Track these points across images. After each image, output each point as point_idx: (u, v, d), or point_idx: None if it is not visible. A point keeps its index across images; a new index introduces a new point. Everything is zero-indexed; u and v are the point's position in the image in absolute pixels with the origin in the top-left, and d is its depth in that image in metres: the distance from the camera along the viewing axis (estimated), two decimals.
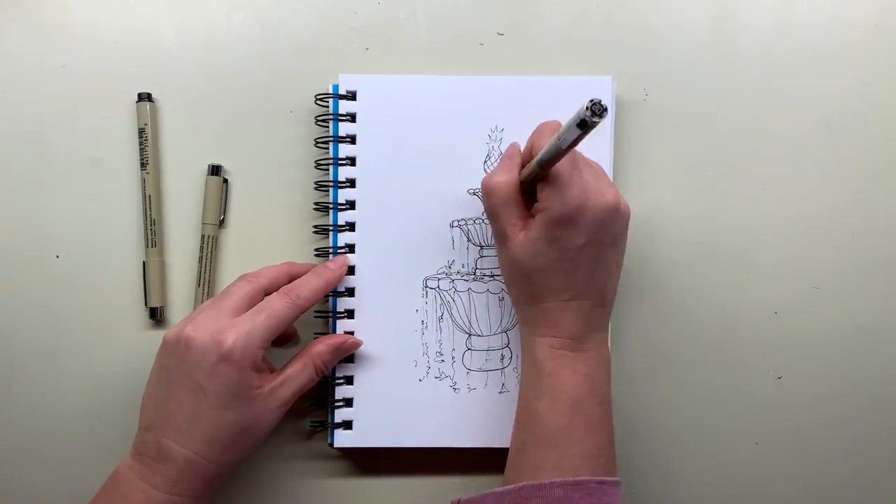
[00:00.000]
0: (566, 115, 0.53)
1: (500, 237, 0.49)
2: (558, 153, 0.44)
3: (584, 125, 0.40)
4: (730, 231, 0.56)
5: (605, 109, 0.40)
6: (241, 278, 0.51)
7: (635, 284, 0.56)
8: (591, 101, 0.39)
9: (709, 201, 0.56)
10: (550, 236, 0.46)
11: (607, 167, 0.54)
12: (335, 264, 0.53)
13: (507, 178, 0.48)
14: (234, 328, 0.47)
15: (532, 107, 0.54)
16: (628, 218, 0.49)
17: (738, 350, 0.56)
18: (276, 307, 0.49)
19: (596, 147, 0.54)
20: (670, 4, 0.57)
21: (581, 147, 0.53)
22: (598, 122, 0.40)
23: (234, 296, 0.50)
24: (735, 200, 0.56)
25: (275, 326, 0.49)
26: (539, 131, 0.49)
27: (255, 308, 0.49)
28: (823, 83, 0.57)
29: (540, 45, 0.57)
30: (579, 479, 0.45)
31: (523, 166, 0.49)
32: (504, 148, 0.54)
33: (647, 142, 0.56)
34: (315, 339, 0.53)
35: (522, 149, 0.50)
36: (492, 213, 0.49)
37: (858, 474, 0.56)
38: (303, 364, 0.51)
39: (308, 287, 0.51)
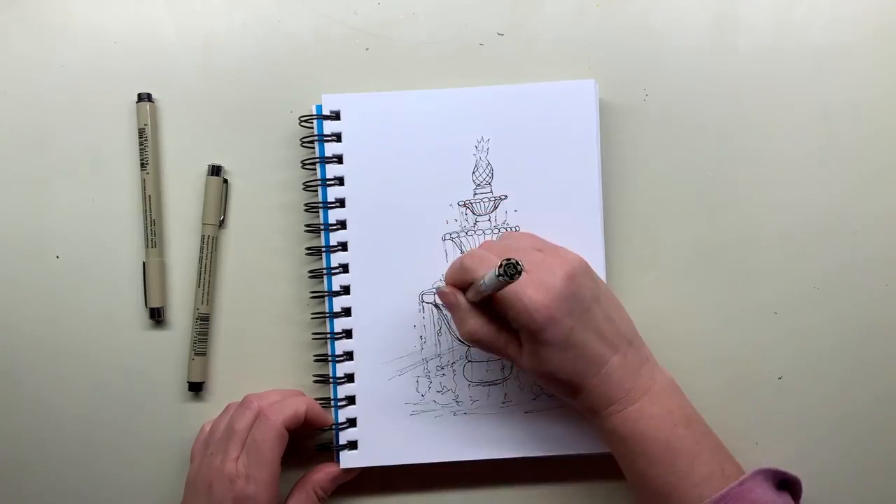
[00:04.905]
0: (550, 121, 0.54)
1: (509, 360, 0.50)
2: (489, 293, 0.46)
3: (503, 281, 0.43)
4: (730, 231, 0.56)
5: (518, 272, 0.42)
6: (266, 419, 0.52)
7: (636, 284, 0.56)
8: (503, 263, 0.42)
9: (709, 201, 0.56)
10: (542, 342, 0.47)
11: (594, 172, 0.54)
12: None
13: (475, 323, 0.49)
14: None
15: (517, 115, 0.54)
16: (586, 266, 0.49)
17: (738, 350, 0.56)
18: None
19: (581, 154, 0.54)
20: (670, 4, 0.57)
21: (566, 152, 0.54)
22: (519, 277, 0.42)
23: (266, 447, 0.51)
24: (735, 200, 0.56)
25: None
26: (455, 266, 0.50)
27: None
28: (824, 83, 0.56)
29: (540, 45, 0.57)
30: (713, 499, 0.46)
31: (463, 288, 0.50)
32: (491, 157, 0.54)
33: (647, 142, 0.56)
34: (316, 468, 0.55)
35: (454, 273, 0.50)
36: (489, 352, 0.50)
37: (859, 474, 0.56)
38: (306, 493, 0.54)
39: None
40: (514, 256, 0.47)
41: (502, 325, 0.49)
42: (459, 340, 0.55)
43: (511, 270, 0.42)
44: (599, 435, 0.50)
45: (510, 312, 0.47)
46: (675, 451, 0.47)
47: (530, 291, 0.46)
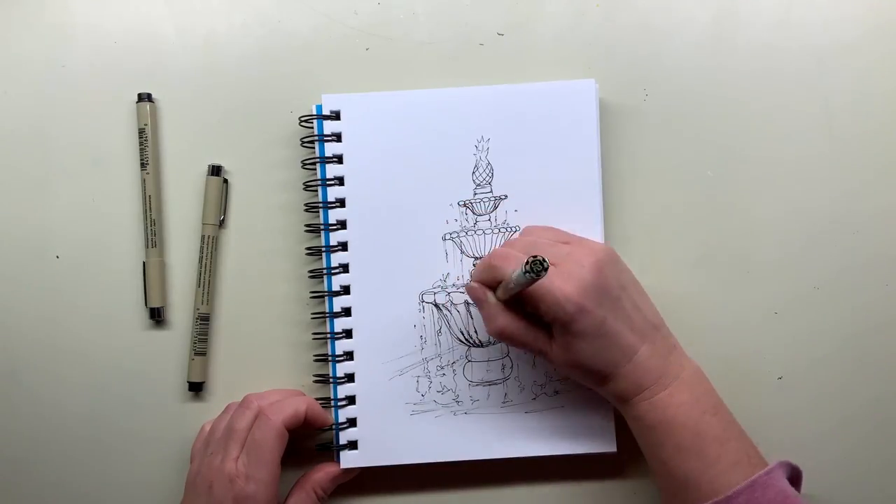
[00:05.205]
0: (550, 121, 0.54)
1: (540, 355, 0.50)
2: (519, 290, 0.47)
3: (531, 278, 0.43)
4: (730, 231, 0.56)
5: (545, 269, 0.42)
6: (266, 419, 0.52)
7: None
8: (530, 261, 0.43)
9: (709, 201, 0.56)
10: (574, 333, 0.47)
11: (594, 172, 0.54)
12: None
13: (504, 319, 0.49)
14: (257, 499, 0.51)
15: (517, 114, 0.54)
16: (614, 255, 0.50)
17: (738, 350, 0.56)
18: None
19: (581, 154, 0.54)
20: (670, 4, 0.57)
21: (566, 152, 0.54)
22: (545, 273, 0.43)
23: (266, 447, 0.51)
24: (735, 200, 0.56)
25: None
26: (482, 265, 0.50)
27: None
28: (825, 82, 0.56)
29: (540, 45, 0.56)
30: (735, 490, 0.46)
31: (492, 287, 0.50)
32: (491, 157, 0.54)
33: (647, 142, 0.56)
34: (315, 467, 0.55)
35: (481, 272, 0.50)
36: (519, 347, 0.51)
37: (859, 474, 0.56)
38: (306, 493, 0.54)
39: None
40: (540, 252, 0.47)
41: (530, 321, 0.49)
42: (460, 340, 0.55)
43: (537, 267, 0.43)
44: (628, 422, 0.50)
45: (542, 306, 0.47)
46: (703, 438, 0.47)
47: (560, 283, 0.47)
